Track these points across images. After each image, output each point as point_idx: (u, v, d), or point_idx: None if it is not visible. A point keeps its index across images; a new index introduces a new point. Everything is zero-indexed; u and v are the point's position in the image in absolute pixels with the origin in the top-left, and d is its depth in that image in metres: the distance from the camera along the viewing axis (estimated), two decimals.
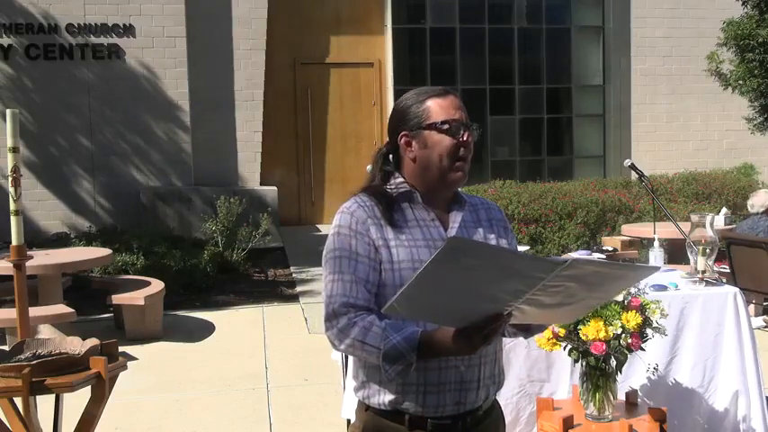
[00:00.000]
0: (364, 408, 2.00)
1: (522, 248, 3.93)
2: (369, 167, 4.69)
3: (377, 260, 1.94)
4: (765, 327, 6.51)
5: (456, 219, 2.03)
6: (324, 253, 2.00)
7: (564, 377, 3.54)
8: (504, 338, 2.13)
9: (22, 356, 3.13)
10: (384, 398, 1.94)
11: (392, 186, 2.03)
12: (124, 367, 3.22)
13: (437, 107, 1.99)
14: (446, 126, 1.97)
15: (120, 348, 3.50)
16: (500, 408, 2.13)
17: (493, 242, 2.06)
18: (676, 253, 6.14)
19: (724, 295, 3.65)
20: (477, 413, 1.98)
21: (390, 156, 2.08)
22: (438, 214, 2.03)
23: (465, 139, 1.98)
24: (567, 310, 1.88)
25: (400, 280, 1.90)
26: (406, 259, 1.94)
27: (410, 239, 1.97)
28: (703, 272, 3.68)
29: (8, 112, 3.39)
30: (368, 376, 1.96)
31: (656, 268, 1.83)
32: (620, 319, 2.98)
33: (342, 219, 1.99)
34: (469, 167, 2.03)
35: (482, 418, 2.00)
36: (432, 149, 1.98)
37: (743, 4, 9.41)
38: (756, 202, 6.69)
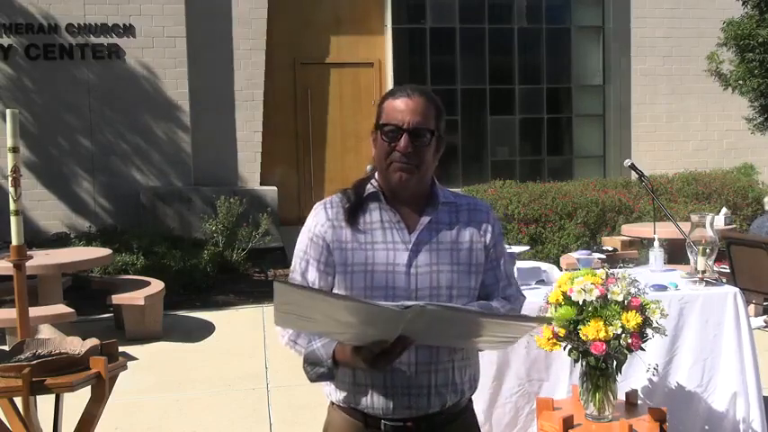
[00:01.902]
0: (330, 402, 2.07)
1: (521, 249, 3.94)
2: (369, 167, 4.71)
3: (329, 264, 1.99)
4: (765, 327, 6.51)
5: (424, 221, 2.00)
6: None
7: (563, 376, 3.54)
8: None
9: (22, 356, 3.13)
10: (340, 395, 2.00)
11: (372, 184, 2.04)
12: (124, 367, 3.22)
13: (388, 108, 1.98)
14: (385, 129, 1.96)
15: (120, 348, 3.50)
16: (472, 416, 2.11)
17: (463, 246, 2.01)
18: (676, 253, 6.14)
19: (724, 295, 3.65)
20: (435, 418, 1.97)
21: None
22: (408, 215, 2.01)
23: (398, 145, 1.94)
24: (471, 341, 1.93)
25: (351, 283, 1.94)
26: (360, 263, 1.95)
27: (368, 242, 1.97)
28: (703, 272, 3.68)
29: (8, 112, 3.40)
30: (312, 363, 1.98)
31: (529, 321, 1.83)
32: (620, 319, 2.97)
33: (308, 220, 2.06)
34: (419, 171, 1.97)
35: (443, 423, 1.98)
36: (378, 151, 2.00)
37: (743, 4, 9.41)
38: None
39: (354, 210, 2.01)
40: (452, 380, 1.97)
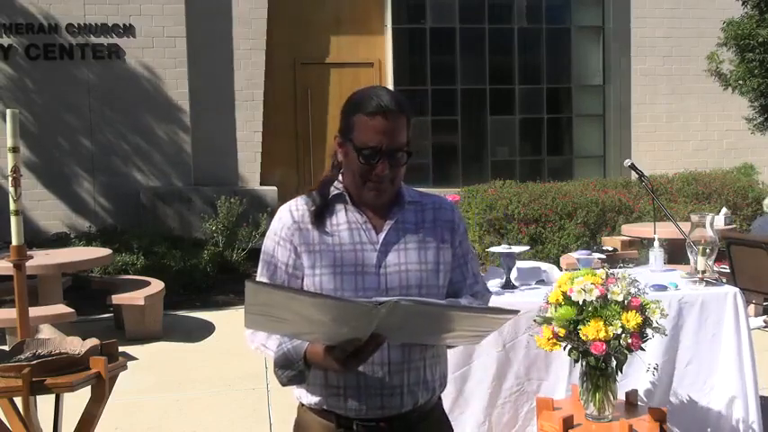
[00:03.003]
0: (300, 404, 2.06)
1: (521, 249, 3.93)
2: None
3: (297, 267, 1.99)
4: (765, 327, 6.51)
5: (391, 221, 2.01)
6: None
7: (562, 376, 3.54)
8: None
9: (22, 356, 3.13)
10: (312, 398, 2.00)
11: (336, 185, 2.04)
12: (124, 367, 3.22)
13: (362, 126, 1.93)
14: (362, 152, 1.93)
15: (120, 348, 3.50)
16: (442, 413, 2.13)
17: (431, 245, 2.02)
18: (676, 253, 6.14)
19: (723, 295, 3.65)
20: (407, 417, 1.98)
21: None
22: (374, 215, 2.01)
23: (375, 168, 1.93)
24: (442, 337, 1.93)
25: (320, 285, 1.94)
26: (328, 265, 1.95)
27: (336, 243, 1.97)
28: (703, 272, 3.68)
29: (8, 112, 3.40)
30: (282, 366, 1.97)
31: (501, 312, 1.81)
32: (620, 319, 2.97)
33: (273, 223, 2.05)
34: (395, 181, 1.97)
35: (415, 421, 1.99)
36: (349, 163, 1.98)
37: (743, 4, 9.41)
38: None
39: (321, 212, 2.00)
40: (424, 378, 1.99)
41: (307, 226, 1.99)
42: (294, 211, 2.02)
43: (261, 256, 2.06)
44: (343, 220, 2.00)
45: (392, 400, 1.95)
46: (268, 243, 2.04)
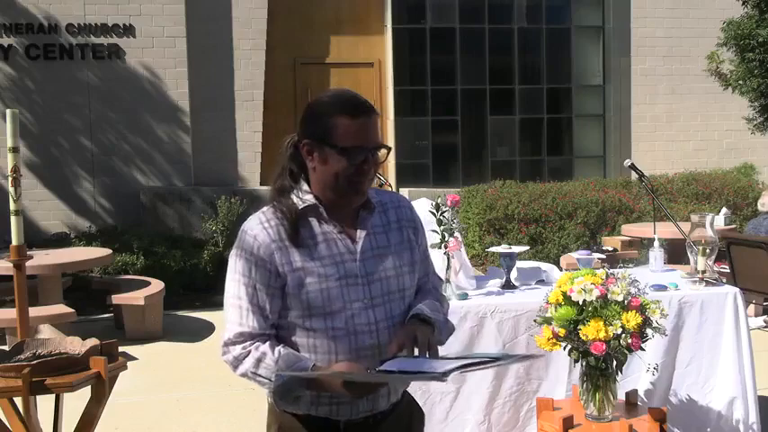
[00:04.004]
0: (281, 410, 2.02)
1: (521, 249, 3.93)
2: None
3: (278, 286, 1.93)
4: (765, 327, 6.52)
5: (364, 228, 2.00)
6: (228, 270, 1.99)
7: (562, 376, 3.54)
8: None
9: (22, 356, 3.13)
10: (298, 407, 1.99)
11: (300, 196, 1.98)
12: (124, 367, 3.23)
13: (344, 128, 1.90)
14: (349, 152, 1.90)
15: (120, 348, 3.50)
16: (410, 397, 2.17)
17: (401, 247, 2.05)
18: (676, 253, 6.14)
19: (723, 295, 3.65)
20: (389, 411, 2.05)
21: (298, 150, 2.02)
22: (345, 224, 1.99)
23: (363, 167, 1.92)
24: None
25: (307, 303, 1.92)
26: (314, 281, 1.92)
27: (317, 259, 1.94)
28: (703, 272, 3.68)
29: (8, 112, 3.40)
30: (282, 395, 1.96)
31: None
32: (620, 319, 2.97)
33: (245, 242, 1.96)
34: (371, 182, 1.99)
35: (389, 411, 2.06)
36: (330, 167, 1.93)
37: (743, 3, 9.40)
38: (767, 201, 6.70)
39: (295, 227, 1.94)
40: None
41: (285, 243, 1.94)
42: (268, 228, 1.95)
43: (231, 276, 1.97)
44: (318, 231, 1.97)
45: (381, 401, 2.01)
46: (242, 263, 1.95)
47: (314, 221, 1.97)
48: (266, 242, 1.94)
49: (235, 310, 1.95)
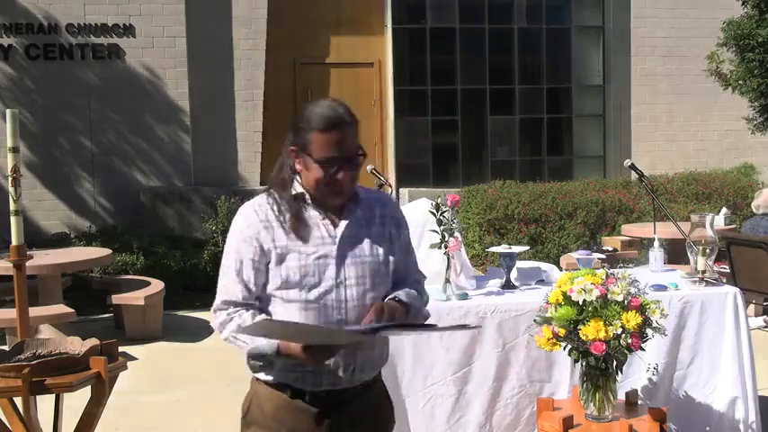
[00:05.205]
0: (255, 379, 2.28)
1: (521, 249, 3.94)
2: (369, 167, 4.67)
3: (263, 262, 2.19)
4: (765, 327, 6.52)
5: (347, 217, 2.23)
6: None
7: (564, 377, 3.53)
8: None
9: (22, 356, 3.13)
10: (270, 375, 2.22)
11: (294, 186, 2.24)
12: (124, 367, 3.23)
13: (317, 143, 2.14)
14: (323, 163, 2.13)
15: (120, 348, 3.50)
16: (381, 384, 2.37)
17: (381, 239, 2.25)
18: (676, 253, 6.14)
19: (723, 295, 3.65)
20: (353, 390, 2.22)
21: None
22: (331, 212, 2.23)
23: (337, 175, 2.14)
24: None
25: (286, 277, 2.16)
26: (294, 258, 2.17)
27: (300, 238, 2.18)
28: (703, 272, 3.68)
29: (8, 112, 3.40)
30: (255, 358, 2.20)
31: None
32: (620, 319, 2.97)
33: (237, 221, 2.24)
34: (352, 183, 2.19)
35: (359, 392, 2.23)
36: (311, 174, 2.18)
37: (743, 3, 9.40)
38: (762, 203, 6.69)
39: (286, 210, 2.21)
40: (373, 357, 2.25)
41: (271, 224, 2.20)
42: (258, 210, 2.22)
43: (225, 252, 2.25)
44: (304, 216, 2.21)
45: (345, 376, 2.18)
46: (233, 240, 2.22)
47: (302, 208, 2.22)
48: (254, 222, 2.20)
49: (223, 280, 2.23)
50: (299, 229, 2.18)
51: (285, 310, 2.17)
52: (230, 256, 2.22)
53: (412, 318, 2.23)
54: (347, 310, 2.17)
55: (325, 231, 2.20)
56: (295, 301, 2.16)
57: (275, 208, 2.21)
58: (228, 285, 2.21)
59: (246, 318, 2.16)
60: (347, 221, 2.22)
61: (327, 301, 2.16)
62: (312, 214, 2.22)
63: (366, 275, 2.20)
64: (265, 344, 2.11)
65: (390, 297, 2.23)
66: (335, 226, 2.22)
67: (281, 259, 2.17)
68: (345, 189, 2.18)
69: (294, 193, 2.23)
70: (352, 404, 2.22)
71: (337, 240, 2.20)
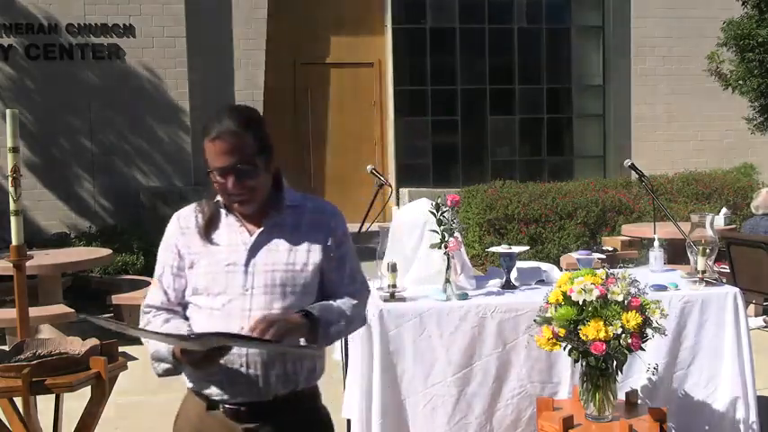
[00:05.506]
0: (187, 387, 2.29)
1: (521, 249, 3.94)
2: (369, 167, 4.68)
3: (181, 268, 2.21)
4: (765, 327, 6.52)
5: (265, 224, 2.18)
6: None
7: (565, 378, 3.53)
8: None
9: (22, 356, 3.13)
10: (189, 383, 2.25)
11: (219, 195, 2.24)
12: (124, 367, 3.23)
13: (209, 152, 2.18)
14: (212, 172, 2.16)
15: (120, 348, 3.51)
16: (311, 408, 2.27)
17: (301, 247, 2.17)
18: (676, 253, 6.14)
19: (724, 295, 3.65)
20: (268, 405, 2.15)
21: None
22: (250, 219, 2.20)
23: (226, 186, 2.13)
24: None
25: (197, 283, 2.17)
26: (205, 264, 2.17)
27: (214, 245, 2.18)
28: (703, 272, 3.68)
29: (8, 112, 3.40)
30: (157, 360, 2.21)
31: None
32: (620, 319, 2.97)
33: (165, 231, 2.30)
34: (252, 191, 2.14)
35: (276, 409, 2.15)
36: (213, 180, 2.20)
37: (743, 4, 9.40)
38: (761, 203, 6.70)
39: (207, 217, 2.22)
40: (285, 372, 2.15)
41: (190, 231, 2.22)
42: (181, 218, 2.27)
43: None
44: (223, 223, 2.21)
45: (251, 388, 2.13)
46: (160, 248, 2.27)
47: (223, 215, 2.22)
48: (175, 229, 2.25)
49: (150, 286, 2.28)
50: (210, 235, 2.19)
51: (198, 316, 2.18)
52: (158, 263, 2.27)
53: (322, 332, 2.12)
54: (252, 319, 2.09)
55: (239, 238, 2.18)
56: (204, 308, 2.16)
57: (198, 216, 2.23)
58: (152, 290, 2.26)
59: (158, 322, 2.19)
60: (262, 229, 2.18)
61: (233, 309, 2.13)
62: (230, 221, 2.21)
63: (276, 284, 2.14)
64: (164, 347, 2.12)
65: (301, 309, 2.13)
66: (250, 233, 2.18)
67: (192, 265, 2.18)
68: (246, 198, 2.15)
69: (216, 200, 2.24)
70: (272, 420, 2.16)
71: (248, 248, 2.16)
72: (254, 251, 2.16)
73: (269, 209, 2.20)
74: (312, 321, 2.10)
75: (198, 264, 2.18)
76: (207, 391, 2.18)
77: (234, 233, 2.19)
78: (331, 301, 2.21)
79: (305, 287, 2.17)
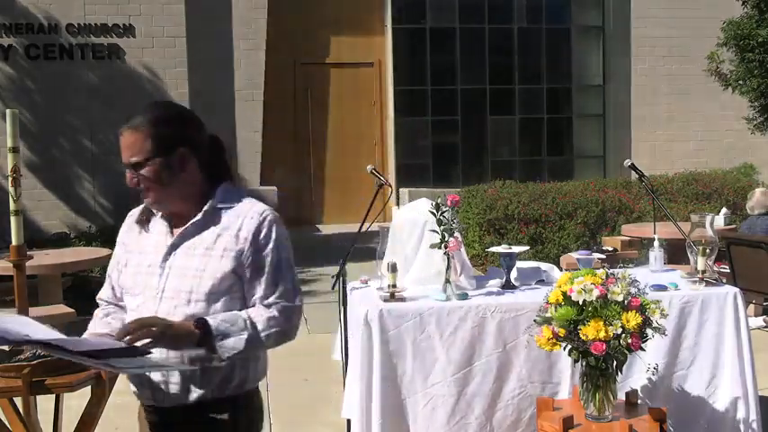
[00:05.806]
0: None
1: (521, 249, 3.93)
2: (369, 167, 4.67)
3: (123, 263, 2.25)
4: (765, 327, 6.52)
5: (184, 226, 2.16)
6: None
7: (565, 378, 3.53)
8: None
9: (22, 356, 3.13)
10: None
11: None
12: None
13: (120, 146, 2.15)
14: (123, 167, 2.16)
15: None
16: (236, 416, 2.18)
17: (214, 253, 2.11)
18: (676, 253, 6.13)
19: (724, 295, 3.64)
20: (184, 410, 2.14)
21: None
22: (176, 221, 2.19)
23: (132, 181, 2.15)
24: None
25: (124, 282, 2.22)
26: (133, 264, 2.21)
27: (143, 245, 2.20)
28: (703, 272, 3.68)
29: (8, 112, 3.40)
30: None
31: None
32: (620, 319, 2.97)
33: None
34: (149, 190, 2.13)
35: (194, 414, 2.13)
36: None
37: (743, 3, 9.40)
38: (756, 204, 6.70)
39: (142, 218, 2.24)
40: (192, 379, 2.11)
41: (134, 229, 2.26)
42: (130, 216, 2.30)
43: None
44: (154, 224, 2.22)
45: (158, 393, 2.15)
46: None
47: (158, 216, 2.22)
48: (124, 226, 2.30)
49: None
50: (138, 234, 2.22)
51: (127, 315, 2.21)
52: (112, 257, 2.33)
53: (216, 344, 2.01)
54: None
55: (162, 240, 2.16)
56: (129, 308, 2.20)
57: (144, 215, 2.25)
58: (104, 284, 2.34)
59: (98, 316, 2.33)
60: (180, 231, 2.14)
61: (143, 311, 2.09)
62: (159, 222, 2.21)
63: (184, 290, 2.08)
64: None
65: (199, 318, 2.05)
66: (172, 235, 2.16)
67: (126, 263, 2.22)
68: (147, 194, 2.14)
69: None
70: (185, 426, 2.14)
71: (166, 250, 2.14)
72: (170, 254, 2.13)
73: (196, 211, 2.15)
74: (204, 331, 2.01)
75: (129, 263, 2.21)
76: (133, 389, 2.26)
77: (162, 234, 2.18)
78: (242, 312, 2.09)
79: (210, 295, 2.08)
